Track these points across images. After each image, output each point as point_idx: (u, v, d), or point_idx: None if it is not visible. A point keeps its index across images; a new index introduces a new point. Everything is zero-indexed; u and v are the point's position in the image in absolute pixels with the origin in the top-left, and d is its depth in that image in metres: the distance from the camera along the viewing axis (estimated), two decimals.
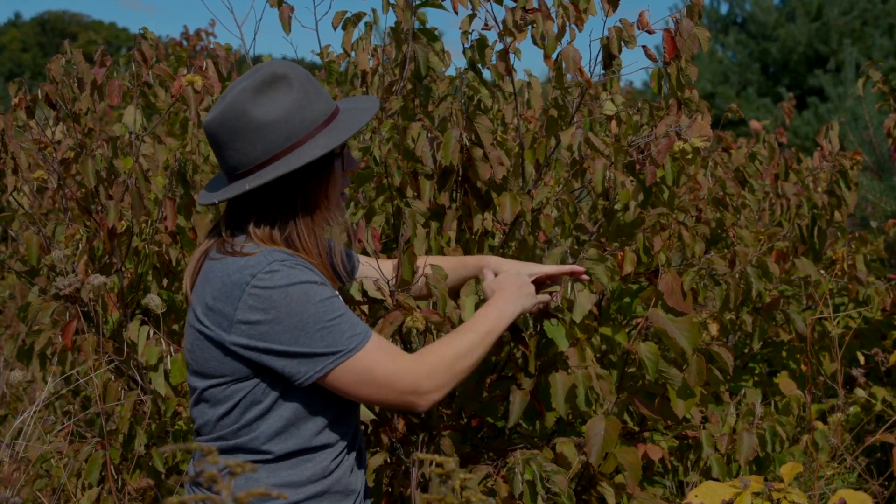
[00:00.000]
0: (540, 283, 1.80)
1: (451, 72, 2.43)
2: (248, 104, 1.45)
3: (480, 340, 1.58)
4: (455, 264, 1.87)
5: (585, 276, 1.84)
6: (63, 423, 2.37)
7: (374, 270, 1.81)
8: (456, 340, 1.57)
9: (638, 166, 2.04)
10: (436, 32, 2.33)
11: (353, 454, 1.58)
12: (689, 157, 1.97)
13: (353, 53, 2.44)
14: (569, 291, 1.81)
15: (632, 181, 2.03)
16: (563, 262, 1.92)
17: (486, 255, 1.95)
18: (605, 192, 2.10)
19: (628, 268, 2.08)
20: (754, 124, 3.31)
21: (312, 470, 1.50)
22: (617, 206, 2.12)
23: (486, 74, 2.40)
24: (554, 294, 1.78)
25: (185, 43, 3.92)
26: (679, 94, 2.12)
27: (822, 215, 2.73)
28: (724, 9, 11.63)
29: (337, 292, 1.50)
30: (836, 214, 2.76)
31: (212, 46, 4.03)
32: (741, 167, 2.75)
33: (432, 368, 1.50)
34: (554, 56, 2.14)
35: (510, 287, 1.69)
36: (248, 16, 2.49)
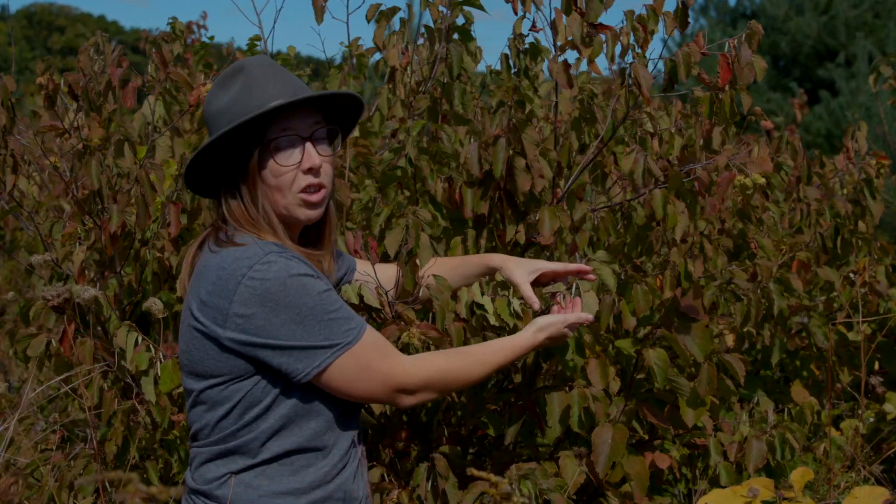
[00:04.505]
0: (543, 281, 1.75)
1: (481, 68, 2.39)
2: (210, 97, 1.53)
3: (483, 371, 1.59)
4: (457, 263, 1.83)
5: (592, 276, 1.78)
6: (54, 431, 2.33)
7: (369, 277, 1.76)
8: (461, 361, 1.56)
9: (699, 196, 2.01)
10: (471, 31, 2.28)
11: (356, 461, 1.55)
12: (749, 192, 1.94)
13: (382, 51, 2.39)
14: (573, 291, 1.76)
15: (685, 208, 2.00)
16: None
17: (489, 254, 1.91)
18: (660, 220, 2.08)
19: (668, 292, 2.04)
20: (766, 124, 3.24)
21: (314, 475, 1.46)
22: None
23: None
24: (558, 294, 1.72)
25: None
26: (730, 120, 2.08)
27: (844, 224, 2.66)
28: (732, 1, 11.54)
29: (332, 286, 1.48)
30: (861, 224, 2.69)
31: (204, 39, 3.98)
32: (767, 176, 2.68)
33: (427, 378, 1.51)
34: (597, 61, 2.10)
35: (542, 331, 1.64)
36: (266, 4, 2.44)
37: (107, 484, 2.00)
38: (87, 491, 1.98)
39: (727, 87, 2.08)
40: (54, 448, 2.22)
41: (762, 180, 2.00)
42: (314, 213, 1.53)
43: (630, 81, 2.04)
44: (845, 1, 9.31)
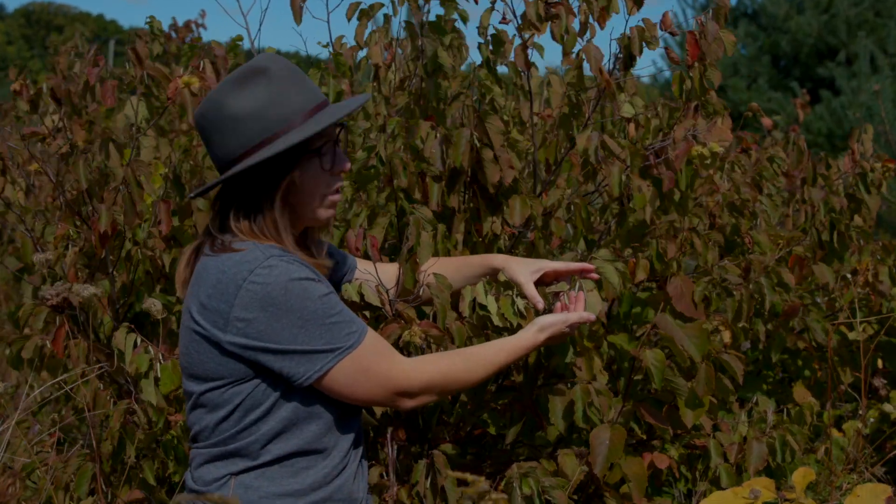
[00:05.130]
0: (546, 281, 1.74)
1: (467, 65, 2.37)
2: (225, 97, 1.45)
3: (484, 373, 1.58)
4: (459, 264, 1.82)
5: (595, 275, 1.77)
6: (49, 432, 2.32)
7: (372, 276, 1.76)
8: (462, 363, 1.55)
9: (655, 171, 1.99)
10: (453, 25, 2.26)
11: (356, 461, 1.54)
12: (708, 161, 1.91)
13: (365, 48, 2.37)
14: (576, 290, 1.74)
15: (649, 186, 1.97)
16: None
17: (491, 254, 1.90)
18: (620, 197, 2.05)
19: (641, 275, 2.02)
20: (766, 122, 3.22)
21: (314, 477, 1.46)
22: (628, 211, 2.06)
23: (503, 70, 2.33)
24: (561, 294, 1.71)
25: (173, 35, 3.84)
26: (701, 98, 2.06)
27: (840, 219, 2.64)
28: (733, 0, 11.52)
29: (333, 289, 1.47)
30: (857, 219, 2.67)
31: (202, 39, 3.96)
32: (760, 170, 2.66)
33: (428, 381, 1.50)
34: (574, 53, 2.09)
35: (543, 331, 1.63)
36: (253, 5, 2.43)
37: (103, 485, 1.99)
38: (83, 492, 1.97)
39: (696, 64, 2.06)
40: (50, 449, 2.20)
41: (719, 149, 1.97)
42: (333, 212, 1.55)
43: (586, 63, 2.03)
44: None
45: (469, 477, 1.05)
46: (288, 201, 1.48)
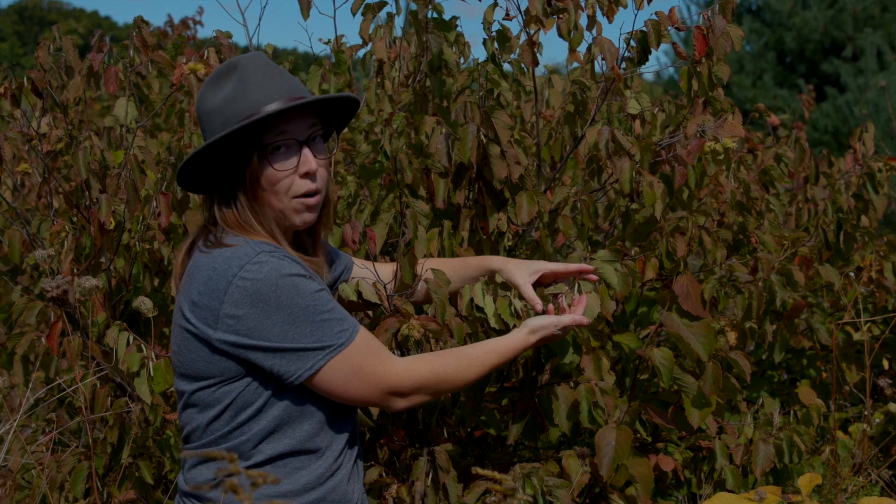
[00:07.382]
0: (545, 283, 1.71)
1: (469, 63, 2.34)
2: (202, 94, 1.48)
3: (476, 373, 1.56)
4: (457, 265, 1.80)
5: (594, 276, 1.74)
6: (45, 432, 2.29)
7: (369, 273, 1.73)
8: (454, 363, 1.53)
9: (667, 167, 1.96)
10: (456, 22, 2.24)
11: (351, 462, 1.52)
12: (721, 157, 1.87)
13: (369, 44, 2.35)
14: (575, 291, 1.71)
15: (659, 182, 1.94)
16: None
17: (489, 256, 1.88)
18: (630, 193, 2.02)
19: (650, 274, 1.99)
20: (772, 119, 3.19)
21: (308, 478, 1.44)
22: (634, 207, 2.02)
23: (506, 67, 2.31)
24: (560, 295, 1.68)
25: (169, 32, 3.82)
26: (709, 93, 2.02)
27: (847, 220, 2.62)
28: None
29: (325, 286, 1.45)
30: (864, 219, 2.64)
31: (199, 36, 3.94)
32: (767, 169, 2.63)
33: (420, 381, 1.48)
34: (581, 49, 2.06)
35: (534, 333, 1.62)
36: (251, 2, 2.41)
37: (98, 484, 1.96)
38: (79, 491, 1.94)
39: (704, 59, 2.03)
40: (45, 449, 2.18)
41: (732, 144, 1.95)
42: (310, 217, 1.50)
43: (600, 57, 2.00)
44: None
45: (497, 475, 1.03)
46: (256, 195, 1.47)
